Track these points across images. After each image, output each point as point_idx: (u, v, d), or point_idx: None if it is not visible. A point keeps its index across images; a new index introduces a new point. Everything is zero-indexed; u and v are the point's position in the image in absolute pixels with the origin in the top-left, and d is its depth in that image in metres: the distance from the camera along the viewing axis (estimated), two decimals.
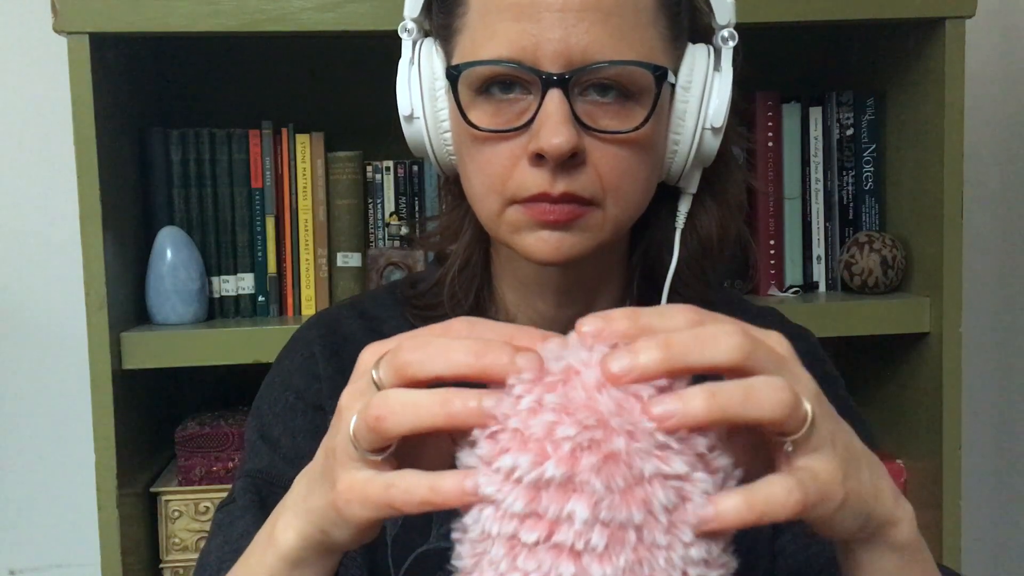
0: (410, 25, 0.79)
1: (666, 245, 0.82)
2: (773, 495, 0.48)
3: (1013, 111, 1.71)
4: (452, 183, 0.84)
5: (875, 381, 1.46)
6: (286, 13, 1.21)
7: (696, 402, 0.47)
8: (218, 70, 1.48)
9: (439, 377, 0.49)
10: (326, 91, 1.47)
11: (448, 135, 0.78)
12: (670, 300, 0.82)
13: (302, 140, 1.37)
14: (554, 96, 0.70)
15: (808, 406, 0.50)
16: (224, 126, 1.36)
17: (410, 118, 0.79)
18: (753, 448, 0.52)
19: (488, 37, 0.72)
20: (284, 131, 1.37)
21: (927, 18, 1.28)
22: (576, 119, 0.71)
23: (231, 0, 1.20)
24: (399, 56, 0.79)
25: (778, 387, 0.48)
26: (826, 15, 1.26)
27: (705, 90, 0.76)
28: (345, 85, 1.49)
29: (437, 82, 0.77)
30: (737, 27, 0.77)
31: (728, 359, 0.48)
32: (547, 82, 0.70)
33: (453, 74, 0.74)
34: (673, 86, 0.76)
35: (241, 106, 1.45)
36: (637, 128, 0.72)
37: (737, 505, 0.47)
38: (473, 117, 0.73)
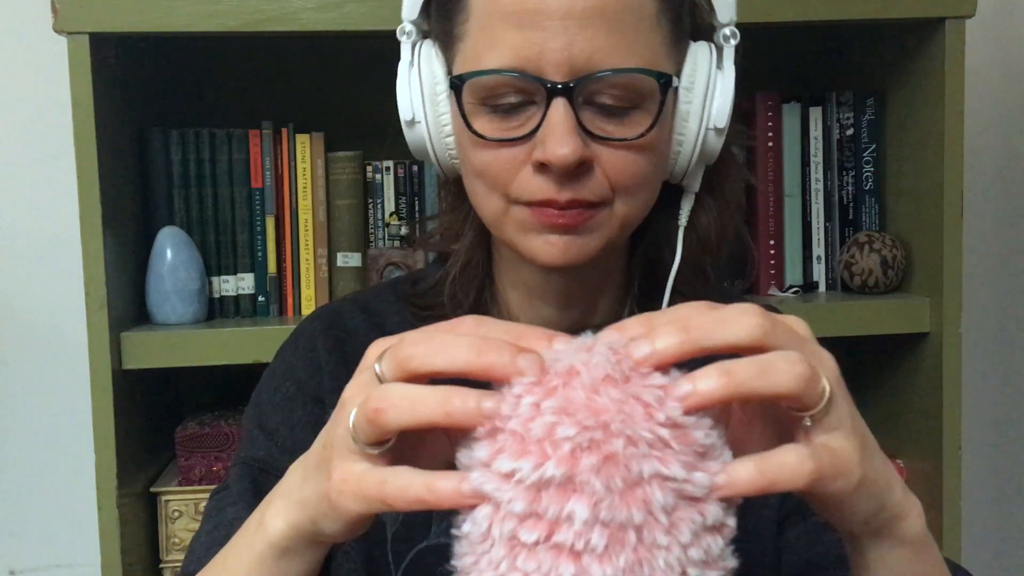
0: (408, 28, 0.78)
1: (666, 244, 0.82)
2: (786, 463, 0.48)
3: (1013, 111, 1.71)
4: (452, 183, 0.83)
5: (875, 381, 1.45)
6: (286, 13, 1.21)
7: (711, 380, 0.47)
8: (218, 70, 1.48)
9: (440, 372, 0.49)
10: (326, 91, 1.47)
11: (450, 139, 0.78)
12: (672, 299, 0.81)
13: (302, 140, 1.37)
14: (559, 105, 0.70)
15: (826, 382, 0.50)
16: (224, 126, 1.36)
17: (411, 123, 0.78)
18: (777, 438, 0.52)
19: (490, 46, 0.71)
20: (284, 131, 1.37)
21: (927, 18, 1.28)
22: (582, 128, 0.70)
23: (231, 0, 1.20)
24: (399, 56, 0.79)
25: (795, 361, 0.48)
26: (826, 15, 1.26)
27: (708, 91, 0.76)
28: (345, 85, 1.49)
29: (438, 86, 0.76)
30: (737, 27, 0.77)
31: (748, 338, 0.48)
32: (551, 91, 0.70)
33: (457, 84, 0.73)
34: (676, 88, 0.75)
35: (241, 106, 1.45)
36: (642, 135, 0.72)
37: (750, 472, 0.47)
38: (477, 125, 0.73)
